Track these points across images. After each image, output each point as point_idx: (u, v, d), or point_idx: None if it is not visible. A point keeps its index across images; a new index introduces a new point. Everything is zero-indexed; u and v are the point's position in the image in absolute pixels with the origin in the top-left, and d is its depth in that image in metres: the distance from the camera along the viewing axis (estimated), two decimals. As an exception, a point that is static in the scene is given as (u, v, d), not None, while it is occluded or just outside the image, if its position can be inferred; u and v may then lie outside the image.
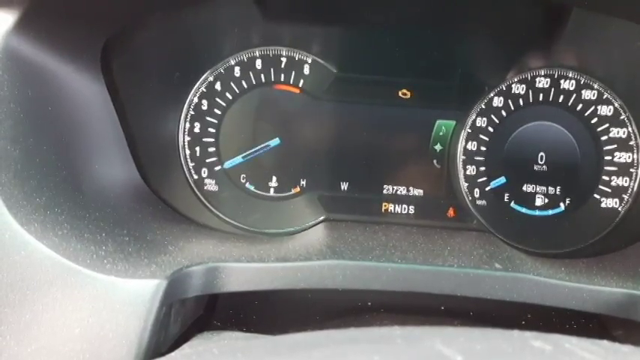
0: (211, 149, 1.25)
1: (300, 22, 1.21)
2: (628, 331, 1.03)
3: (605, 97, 1.21)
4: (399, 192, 1.27)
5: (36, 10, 0.85)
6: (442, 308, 1.04)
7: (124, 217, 1.01)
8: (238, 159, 1.25)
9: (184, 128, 1.24)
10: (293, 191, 1.26)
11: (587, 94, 1.21)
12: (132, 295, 0.78)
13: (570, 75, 1.21)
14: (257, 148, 1.25)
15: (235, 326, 1.05)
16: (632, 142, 1.21)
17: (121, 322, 0.76)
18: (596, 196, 1.23)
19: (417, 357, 0.50)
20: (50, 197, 0.85)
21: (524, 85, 1.22)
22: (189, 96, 1.23)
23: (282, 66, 1.23)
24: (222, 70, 1.23)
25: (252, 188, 1.26)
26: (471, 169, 1.25)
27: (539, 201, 1.25)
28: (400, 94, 1.24)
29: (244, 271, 0.91)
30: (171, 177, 1.24)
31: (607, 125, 1.22)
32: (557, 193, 1.24)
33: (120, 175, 1.11)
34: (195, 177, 1.25)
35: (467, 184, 1.25)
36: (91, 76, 1.05)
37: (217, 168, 1.25)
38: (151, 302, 0.78)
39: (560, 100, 1.22)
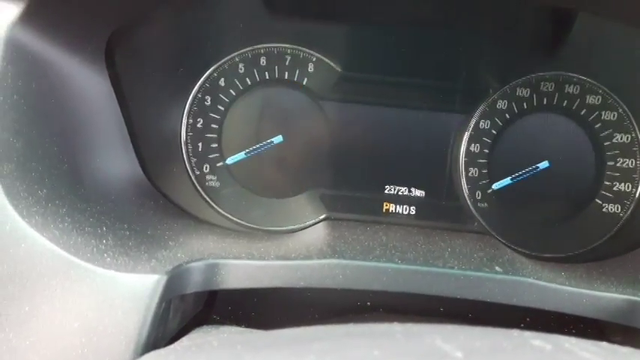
0: (214, 145, 1.25)
1: (305, 19, 1.21)
2: (626, 337, 1.03)
3: (609, 102, 1.21)
4: (400, 192, 1.26)
5: (41, 1, 0.85)
6: (441, 309, 1.04)
7: (125, 211, 1.01)
8: (241, 155, 1.25)
9: (187, 123, 1.23)
10: (295, 189, 1.26)
11: (592, 99, 1.21)
12: (131, 290, 0.77)
13: (575, 79, 1.21)
14: (260, 144, 1.25)
15: (234, 322, 1.05)
16: (635, 148, 1.21)
17: (120, 317, 0.76)
18: (597, 201, 1.23)
19: (416, 352, 0.49)
20: (52, 190, 0.84)
21: (528, 89, 1.22)
22: (193, 91, 1.22)
23: (287, 63, 1.23)
24: (226, 67, 1.23)
25: (253, 185, 1.26)
26: (473, 172, 1.24)
27: (540, 205, 1.24)
28: (404, 94, 1.23)
29: (244, 268, 0.91)
30: (173, 172, 1.23)
31: (610, 131, 1.21)
32: (559, 197, 1.24)
33: (122, 169, 1.11)
34: (197, 172, 1.25)
35: (469, 187, 1.25)
36: (94, 69, 1.05)
37: (219, 164, 1.25)
38: (150, 297, 0.78)
39: (564, 105, 1.22)
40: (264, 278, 0.91)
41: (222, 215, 1.25)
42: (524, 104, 1.22)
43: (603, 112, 1.21)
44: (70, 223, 0.83)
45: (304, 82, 1.24)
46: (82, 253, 0.79)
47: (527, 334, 0.55)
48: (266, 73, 1.23)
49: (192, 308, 1.00)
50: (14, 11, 0.84)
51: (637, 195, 1.22)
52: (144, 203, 1.09)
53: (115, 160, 1.09)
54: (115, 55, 1.11)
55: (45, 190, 0.83)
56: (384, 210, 1.27)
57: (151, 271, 0.81)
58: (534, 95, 1.22)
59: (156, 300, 0.78)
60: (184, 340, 0.84)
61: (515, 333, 0.55)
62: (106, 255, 0.82)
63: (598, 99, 1.21)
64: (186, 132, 1.24)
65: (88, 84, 1.04)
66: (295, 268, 0.92)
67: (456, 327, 0.57)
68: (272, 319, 1.11)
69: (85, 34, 1.00)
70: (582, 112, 1.21)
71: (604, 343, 0.56)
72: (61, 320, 0.75)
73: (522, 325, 0.99)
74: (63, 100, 0.96)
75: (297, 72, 1.23)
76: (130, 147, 1.15)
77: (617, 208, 1.22)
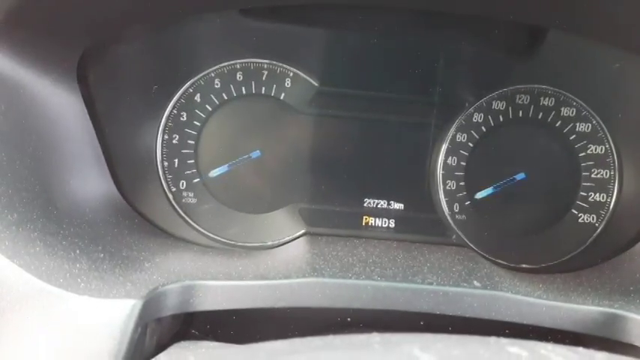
0: (190, 161, 1.23)
1: (283, 34, 1.21)
2: (602, 345, 1.04)
3: (583, 114, 1.23)
4: (379, 205, 1.27)
5: (10, 23, 0.83)
6: (421, 323, 1.04)
7: (100, 232, 0.99)
8: (218, 171, 1.24)
9: (162, 140, 1.22)
10: (273, 204, 1.25)
11: (566, 111, 1.23)
12: (106, 316, 0.76)
13: (549, 92, 1.22)
14: (237, 159, 1.24)
15: (213, 337, 1.03)
16: (609, 159, 1.23)
17: (94, 344, 0.74)
18: (573, 211, 1.24)
19: None
20: (22, 214, 0.82)
21: (504, 102, 1.23)
22: (168, 108, 1.21)
23: (264, 78, 1.23)
24: (202, 82, 1.22)
25: (231, 200, 1.25)
26: (451, 184, 1.25)
27: (517, 216, 1.25)
28: (381, 108, 1.24)
29: (222, 289, 0.90)
30: (149, 190, 1.21)
31: (585, 142, 1.23)
32: (536, 208, 1.25)
33: (96, 188, 1.09)
34: (174, 189, 1.23)
35: (446, 199, 1.25)
36: (66, 88, 1.03)
37: (196, 180, 1.24)
38: (125, 323, 0.76)
39: (540, 117, 1.23)
40: (242, 299, 0.90)
41: (200, 232, 1.23)
42: (500, 117, 1.23)
43: (578, 124, 1.23)
44: (41, 247, 0.81)
45: (281, 97, 1.23)
46: (55, 279, 0.77)
47: (504, 341, 0.56)
48: (242, 88, 1.23)
49: (169, 329, 0.98)
50: (-19, 33, 0.82)
51: (612, 205, 1.23)
52: (119, 223, 1.08)
53: (89, 180, 1.07)
54: (87, 74, 1.09)
55: (15, 215, 0.81)
56: (363, 223, 1.27)
57: (126, 295, 0.79)
58: (510, 108, 1.23)
59: (131, 326, 0.76)
60: (162, 357, 0.82)
61: (492, 340, 0.56)
62: (79, 280, 0.80)
63: (572, 111, 1.23)
64: (162, 149, 1.22)
65: (60, 104, 1.02)
66: (274, 288, 0.91)
67: (434, 336, 0.57)
68: (251, 334, 1.10)
69: (56, 54, 0.98)
70: (557, 124, 1.23)
71: (580, 349, 0.57)
72: (33, 349, 0.73)
73: (500, 335, 1.01)
74: (34, 120, 0.94)
75: (275, 87, 1.23)
76: (105, 166, 1.13)
77: (593, 218, 1.24)
